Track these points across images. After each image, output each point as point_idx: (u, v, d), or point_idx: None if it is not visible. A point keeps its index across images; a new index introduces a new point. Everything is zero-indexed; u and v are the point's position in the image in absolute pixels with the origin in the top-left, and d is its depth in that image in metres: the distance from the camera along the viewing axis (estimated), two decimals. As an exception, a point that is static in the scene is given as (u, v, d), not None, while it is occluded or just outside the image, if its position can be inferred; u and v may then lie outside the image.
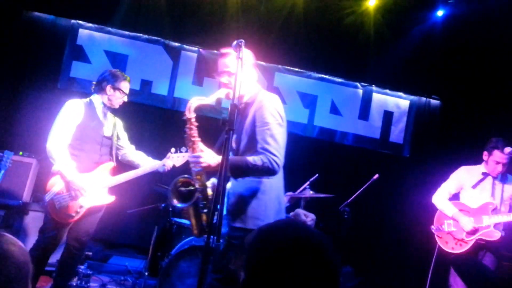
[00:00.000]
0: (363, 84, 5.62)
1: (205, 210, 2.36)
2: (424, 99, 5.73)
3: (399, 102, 5.69)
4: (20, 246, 0.86)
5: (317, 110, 5.50)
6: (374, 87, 5.64)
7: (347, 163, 5.47)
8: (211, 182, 2.43)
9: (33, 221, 4.05)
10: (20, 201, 4.15)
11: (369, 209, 5.04)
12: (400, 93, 5.69)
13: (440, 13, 5.31)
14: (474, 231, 3.46)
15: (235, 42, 2.35)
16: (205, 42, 5.35)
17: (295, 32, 5.37)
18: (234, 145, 2.40)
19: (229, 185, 2.33)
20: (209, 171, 2.32)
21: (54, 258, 3.37)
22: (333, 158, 5.47)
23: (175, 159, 3.34)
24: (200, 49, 5.39)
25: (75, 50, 5.13)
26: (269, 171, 2.23)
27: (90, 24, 5.18)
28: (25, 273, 0.83)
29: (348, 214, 4.07)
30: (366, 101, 5.59)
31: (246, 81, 2.38)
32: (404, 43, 5.49)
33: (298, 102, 5.50)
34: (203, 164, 2.24)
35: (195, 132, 2.30)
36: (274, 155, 2.22)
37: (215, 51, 5.41)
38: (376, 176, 4.22)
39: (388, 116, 5.63)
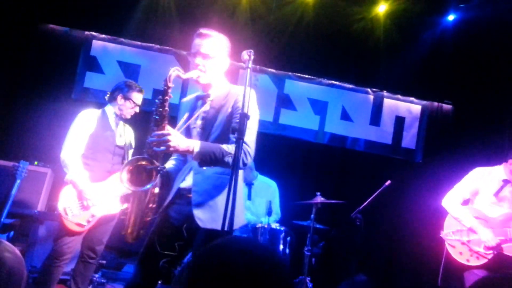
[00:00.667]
0: (374, 89, 5.60)
1: (153, 205, 2.17)
2: (436, 104, 5.68)
3: (410, 107, 5.65)
4: (15, 253, 0.87)
5: (327, 116, 5.49)
6: (385, 93, 5.61)
7: (359, 169, 5.43)
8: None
9: (48, 230, 4.10)
10: (35, 211, 4.21)
11: (382, 215, 5.00)
12: (412, 98, 5.65)
13: (451, 17, 5.28)
14: (497, 246, 3.15)
15: (244, 53, 2.36)
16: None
17: (305, 39, 5.39)
18: (199, 133, 2.24)
19: (187, 182, 2.19)
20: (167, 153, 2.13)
21: (69, 267, 3.42)
22: (345, 164, 5.45)
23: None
24: (211, 58, 5.44)
25: (88, 61, 5.23)
26: (238, 164, 2.00)
27: (103, 35, 5.28)
28: (17, 280, 0.84)
29: (361, 221, 4.04)
30: (377, 106, 5.56)
31: (220, 70, 2.31)
32: (415, 47, 5.47)
33: (309, 108, 5.51)
34: (171, 144, 1.98)
35: (167, 107, 2.11)
36: (249, 146, 2.10)
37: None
38: (388, 182, 4.19)
39: (399, 121, 5.59)
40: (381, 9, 5.30)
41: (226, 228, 1.89)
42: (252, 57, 2.33)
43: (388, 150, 5.51)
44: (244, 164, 2.09)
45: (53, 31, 5.28)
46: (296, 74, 5.55)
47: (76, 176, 3.12)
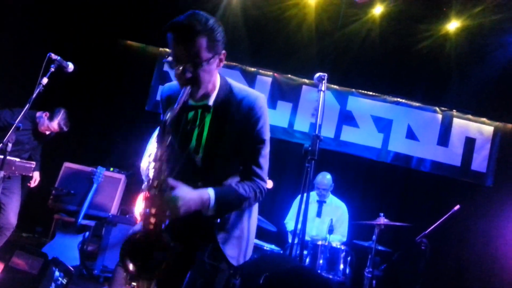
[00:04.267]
0: (443, 108, 5.40)
1: None
2: (509, 125, 5.36)
3: (482, 128, 5.37)
4: None
5: (392, 134, 5.37)
6: (454, 112, 5.39)
7: (425, 191, 5.23)
8: None
9: (120, 233, 4.38)
10: (109, 214, 4.52)
11: (448, 241, 4.78)
12: (483, 119, 5.38)
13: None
14: None
15: (317, 75, 2.43)
16: (279, 67, 5.53)
17: (370, 56, 5.36)
18: (200, 157, 1.71)
19: None
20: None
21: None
22: (409, 185, 5.28)
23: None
24: (275, 74, 5.58)
25: (162, 75, 5.57)
26: (253, 203, 1.74)
27: (175, 52, 5.59)
28: None
29: (426, 246, 3.91)
30: (446, 126, 5.35)
31: (214, 74, 1.62)
32: (487, 66, 5.22)
33: (372, 126, 5.42)
34: (182, 210, 1.48)
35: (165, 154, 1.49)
36: (265, 181, 1.72)
37: (289, 75, 5.57)
38: (457, 207, 4.03)
39: (470, 142, 5.33)
40: (452, 26, 5.14)
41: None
42: (325, 80, 2.39)
43: (456, 172, 5.26)
44: (258, 201, 1.73)
45: (130, 46, 5.70)
46: (360, 91, 5.51)
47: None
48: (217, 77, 1.67)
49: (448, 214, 4.01)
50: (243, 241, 1.75)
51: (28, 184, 4.19)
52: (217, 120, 1.66)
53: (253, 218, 1.84)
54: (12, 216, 3.84)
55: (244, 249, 1.75)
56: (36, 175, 4.23)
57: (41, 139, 4.11)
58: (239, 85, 1.73)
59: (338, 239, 4.16)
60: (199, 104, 1.64)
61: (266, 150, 1.71)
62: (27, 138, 3.98)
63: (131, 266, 1.44)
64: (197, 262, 1.69)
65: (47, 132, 4.03)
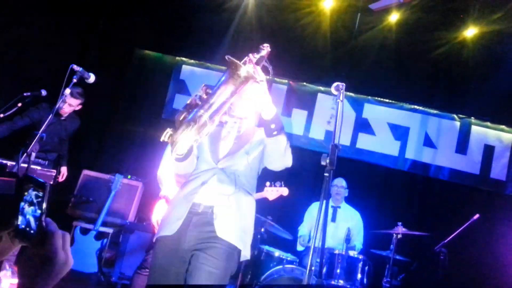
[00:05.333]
0: (461, 116, 5.33)
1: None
2: (530, 133, 5.26)
3: (501, 135, 5.28)
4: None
5: (409, 142, 5.32)
6: (473, 119, 5.32)
7: (443, 199, 5.15)
8: None
9: (138, 240, 4.43)
10: (127, 221, 4.58)
11: (468, 251, 4.68)
12: (503, 126, 5.29)
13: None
14: None
15: (335, 84, 2.43)
16: (294, 75, 5.54)
17: (386, 64, 5.33)
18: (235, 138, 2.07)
19: (202, 197, 1.96)
20: None
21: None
22: (427, 194, 5.21)
23: (269, 192, 3.48)
24: (290, 82, 5.59)
25: (178, 84, 5.65)
26: (287, 153, 1.98)
27: (192, 61, 5.68)
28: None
29: (445, 255, 3.85)
30: (464, 134, 5.28)
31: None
32: (505, 73, 5.12)
33: (389, 133, 5.39)
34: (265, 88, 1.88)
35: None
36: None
37: (304, 83, 5.58)
38: (477, 216, 3.97)
39: (489, 150, 5.25)
40: (470, 33, 5.09)
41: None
42: (343, 90, 2.38)
43: (475, 180, 5.17)
44: (288, 164, 2.03)
45: (148, 56, 5.79)
46: (376, 98, 5.48)
47: (169, 192, 3.37)
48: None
49: (468, 223, 3.94)
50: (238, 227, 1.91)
51: (57, 179, 4.33)
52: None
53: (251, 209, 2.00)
54: None
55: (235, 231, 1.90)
56: (64, 170, 4.41)
57: (65, 132, 4.23)
58: None
59: (356, 248, 4.14)
60: None
61: None
62: (53, 133, 4.11)
63: None
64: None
65: (68, 110, 4.14)
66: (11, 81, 4.05)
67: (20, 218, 0.86)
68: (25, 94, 2.87)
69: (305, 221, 4.60)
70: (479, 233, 4.49)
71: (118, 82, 5.63)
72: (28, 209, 0.84)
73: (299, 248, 4.43)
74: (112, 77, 5.45)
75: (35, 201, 0.82)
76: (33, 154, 2.48)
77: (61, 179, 4.42)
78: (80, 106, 3.90)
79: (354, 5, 5.14)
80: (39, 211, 0.81)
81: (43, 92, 3.03)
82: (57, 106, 2.64)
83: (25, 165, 2.52)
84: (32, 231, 0.82)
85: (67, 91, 2.73)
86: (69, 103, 4.09)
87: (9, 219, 0.87)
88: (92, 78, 2.86)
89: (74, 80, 2.77)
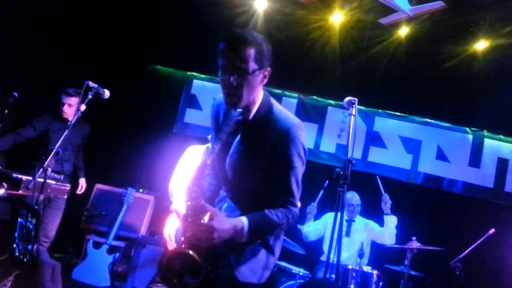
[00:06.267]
0: (473, 129, 5.29)
1: None
2: (544, 145, 5.19)
3: (515, 148, 5.22)
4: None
5: (421, 155, 5.28)
6: (485, 132, 5.27)
7: (458, 213, 5.07)
8: None
9: (150, 254, 4.43)
10: (139, 235, 4.59)
11: (484, 266, 4.60)
12: (516, 139, 5.23)
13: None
14: None
15: (347, 99, 2.44)
16: (304, 88, 5.57)
17: (396, 77, 5.33)
18: (230, 166, 1.76)
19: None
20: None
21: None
22: (441, 207, 5.14)
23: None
24: (300, 95, 5.62)
25: (189, 98, 5.71)
26: (285, 228, 1.75)
27: (203, 75, 5.75)
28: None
29: (461, 270, 3.79)
30: (477, 147, 5.23)
31: (257, 88, 1.70)
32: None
33: (400, 147, 5.35)
34: (215, 239, 1.53)
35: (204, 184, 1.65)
36: (297, 207, 1.73)
37: (314, 97, 5.59)
38: (493, 230, 3.91)
39: (502, 163, 5.18)
40: (480, 46, 5.08)
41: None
42: (356, 105, 2.39)
43: (489, 194, 5.10)
44: (290, 226, 1.75)
45: (160, 71, 5.87)
46: (387, 111, 5.47)
47: (180, 206, 3.38)
48: (260, 93, 1.73)
49: (483, 237, 3.89)
50: (256, 261, 1.75)
51: (77, 192, 4.36)
52: (253, 136, 1.70)
53: (276, 241, 1.83)
54: (51, 231, 4.02)
55: (256, 269, 1.74)
56: (83, 182, 4.43)
57: (76, 138, 4.23)
58: (280, 107, 1.77)
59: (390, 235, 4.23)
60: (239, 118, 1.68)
61: (298, 177, 1.71)
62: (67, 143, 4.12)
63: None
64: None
65: (70, 112, 4.03)
66: (21, 96, 4.09)
67: (14, 245, 0.87)
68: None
69: (316, 223, 4.60)
70: (495, 247, 4.42)
71: (130, 97, 5.70)
72: (22, 236, 0.86)
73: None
74: (124, 92, 5.52)
75: (29, 228, 0.84)
76: (49, 170, 2.51)
77: (80, 191, 4.43)
78: (83, 107, 3.64)
79: (364, 19, 5.16)
80: (31, 240, 0.83)
81: (106, 93, 2.94)
82: (72, 121, 2.68)
83: (41, 180, 2.55)
84: (25, 259, 0.84)
85: (83, 107, 2.78)
86: (68, 103, 4.01)
87: (6, 245, 0.89)
88: (107, 94, 2.90)
89: (89, 96, 2.82)
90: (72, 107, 4.01)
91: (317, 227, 4.58)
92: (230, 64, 1.58)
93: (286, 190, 1.68)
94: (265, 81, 1.71)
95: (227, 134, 1.59)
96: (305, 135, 1.71)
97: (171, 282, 1.55)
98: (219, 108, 1.85)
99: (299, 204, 1.74)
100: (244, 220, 1.60)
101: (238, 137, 1.72)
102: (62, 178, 4.06)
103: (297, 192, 1.71)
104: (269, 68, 1.69)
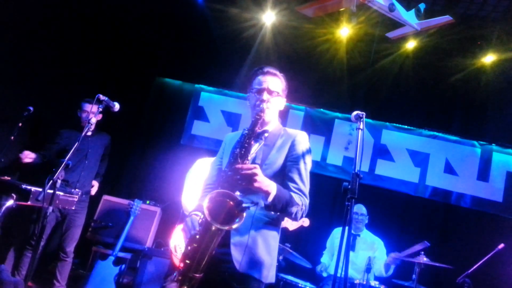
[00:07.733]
0: (482, 142, 5.26)
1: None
2: (554, 159, 5.14)
3: (524, 162, 5.18)
4: None
5: (429, 169, 5.25)
6: (494, 146, 5.23)
7: (466, 227, 5.02)
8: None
9: (156, 266, 4.42)
10: (145, 247, 4.58)
11: (493, 282, 4.52)
12: (526, 153, 5.19)
13: None
14: None
15: (355, 113, 2.44)
16: (311, 101, 5.59)
17: (403, 90, 5.34)
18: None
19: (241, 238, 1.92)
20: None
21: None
22: (449, 221, 5.09)
23: (289, 223, 3.46)
24: (307, 108, 5.63)
25: (197, 110, 5.75)
26: (298, 216, 1.99)
27: (210, 88, 5.80)
28: None
29: (469, 286, 3.73)
30: (486, 160, 5.19)
31: (276, 109, 2.22)
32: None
33: (408, 160, 5.33)
34: (258, 179, 1.82)
35: (253, 141, 2.02)
36: (307, 198, 2.04)
37: (321, 110, 5.61)
38: (502, 245, 3.86)
39: (511, 177, 5.13)
40: (488, 59, 5.08)
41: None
42: (363, 119, 2.39)
43: (498, 208, 5.04)
44: (297, 219, 2.02)
45: (168, 83, 5.93)
46: (394, 124, 5.47)
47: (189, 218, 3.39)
48: (277, 115, 2.26)
49: (492, 252, 3.84)
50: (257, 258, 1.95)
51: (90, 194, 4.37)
52: (270, 141, 2.13)
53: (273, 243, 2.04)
54: (70, 245, 4.08)
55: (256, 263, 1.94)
56: (95, 183, 4.37)
57: (93, 149, 4.23)
58: (291, 129, 2.23)
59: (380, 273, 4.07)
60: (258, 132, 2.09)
61: (306, 173, 2.08)
62: (81, 154, 4.12)
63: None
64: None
65: (87, 118, 3.88)
66: (36, 110, 4.14)
67: None
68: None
69: (327, 248, 4.54)
70: (504, 263, 4.35)
71: (139, 109, 5.75)
72: None
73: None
74: (132, 104, 5.57)
75: None
76: (59, 182, 2.54)
77: (92, 192, 4.40)
78: (99, 115, 3.54)
79: (371, 33, 5.20)
80: None
81: (116, 106, 2.97)
82: (83, 134, 2.71)
83: (51, 191, 2.57)
84: None
85: (93, 120, 2.81)
86: (84, 110, 4.03)
87: None
88: (117, 106, 2.94)
89: (100, 109, 2.85)
90: (87, 113, 4.02)
91: (330, 250, 4.52)
92: (265, 88, 2.15)
93: (299, 180, 2.04)
94: (282, 107, 2.26)
95: (246, 138, 1.98)
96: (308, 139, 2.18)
97: (219, 218, 1.78)
98: (231, 139, 2.25)
99: (305, 219, 1.85)
100: (274, 184, 1.91)
101: (261, 143, 2.14)
102: (80, 193, 4.02)
103: (307, 185, 2.06)
104: (285, 99, 2.27)
